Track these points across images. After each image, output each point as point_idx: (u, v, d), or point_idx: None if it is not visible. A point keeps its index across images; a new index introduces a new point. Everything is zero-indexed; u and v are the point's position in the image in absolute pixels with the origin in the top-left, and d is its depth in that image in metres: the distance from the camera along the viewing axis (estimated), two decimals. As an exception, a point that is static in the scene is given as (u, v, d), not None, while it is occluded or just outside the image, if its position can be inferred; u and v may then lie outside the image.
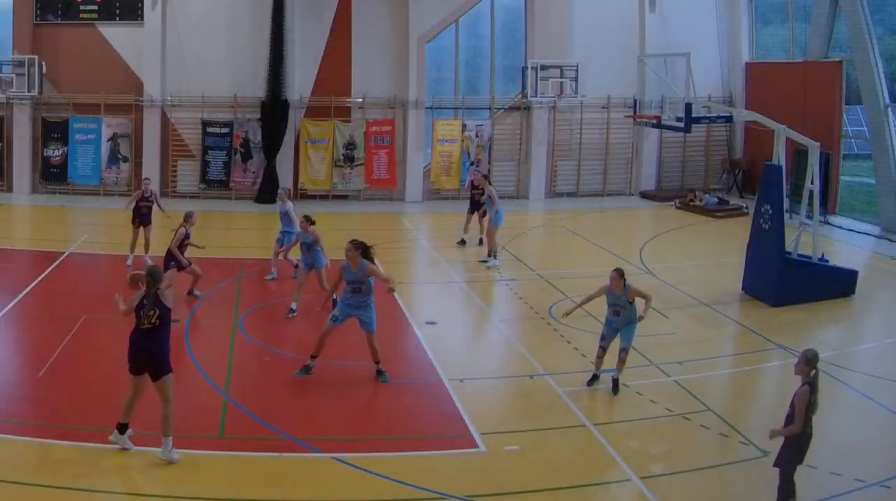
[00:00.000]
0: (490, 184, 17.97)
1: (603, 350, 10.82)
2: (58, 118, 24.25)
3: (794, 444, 7.67)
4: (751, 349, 12.71)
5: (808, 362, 7.70)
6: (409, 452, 9.11)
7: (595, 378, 10.94)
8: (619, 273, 10.62)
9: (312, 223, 13.88)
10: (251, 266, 16.68)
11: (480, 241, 18.55)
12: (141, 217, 16.41)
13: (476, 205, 18.82)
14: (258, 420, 9.72)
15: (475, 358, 12.32)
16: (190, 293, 14.42)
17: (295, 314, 13.61)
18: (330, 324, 11.00)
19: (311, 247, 13.84)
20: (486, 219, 18.03)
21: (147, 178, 17.45)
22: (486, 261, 17.19)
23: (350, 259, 10.83)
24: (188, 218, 14.35)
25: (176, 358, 11.58)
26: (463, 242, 18.80)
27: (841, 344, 13.11)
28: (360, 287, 10.90)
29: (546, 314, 14.08)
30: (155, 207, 16.71)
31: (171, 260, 13.95)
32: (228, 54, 24.38)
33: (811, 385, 7.60)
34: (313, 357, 10.96)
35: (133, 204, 16.52)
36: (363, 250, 10.84)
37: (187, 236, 14.51)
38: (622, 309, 10.62)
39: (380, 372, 11.12)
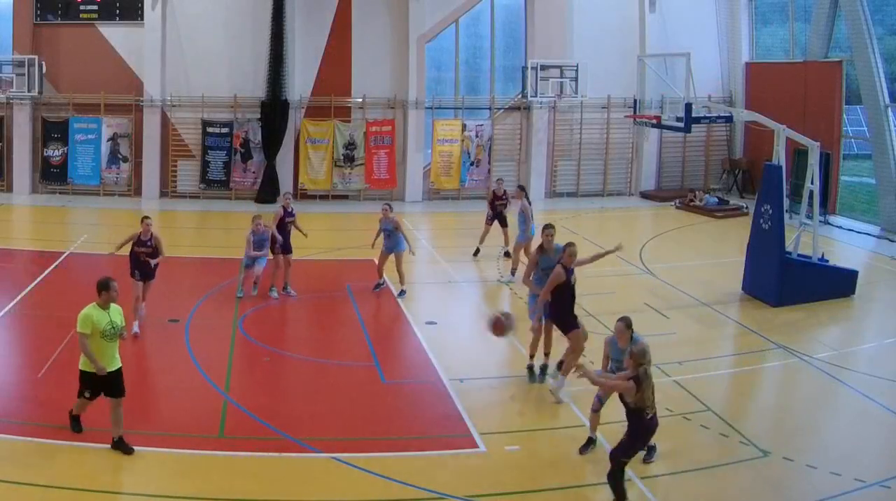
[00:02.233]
0: (527, 197, 16.78)
1: (600, 402, 9.08)
2: (58, 118, 24.25)
3: (632, 432, 7.83)
4: (751, 349, 12.71)
5: (633, 356, 7.81)
6: (409, 452, 9.11)
7: (591, 442, 9.19)
8: (627, 323, 8.95)
9: (392, 210, 14.99)
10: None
11: (507, 254, 17.52)
12: (141, 268, 12.51)
13: (497, 217, 17.92)
14: (258, 420, 9.72)
15: (475, 358, 12.30)
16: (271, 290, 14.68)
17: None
18: (547, 321, 11.02)
19: (391, 233, 14.78)
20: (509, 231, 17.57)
21: (148, 217, 12.81)
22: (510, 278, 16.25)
23: (548, 244, 11.08)
24: (283, 196, 15.11)
25: (176, 358, 11.66)
26: (478, 251, 18.01)
27: (841, 344, 13.11)
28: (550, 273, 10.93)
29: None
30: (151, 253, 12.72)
31: (274, 241, 14.48)
32: (228, 54, 24.39)
33: (637, 379, 7.67)
34: (531, 356, 11.20)
35: (128, 246, 12.71)
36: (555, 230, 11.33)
37: (287, 214, 14.80)
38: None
39: (552, 367, 11.10)
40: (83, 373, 8.82)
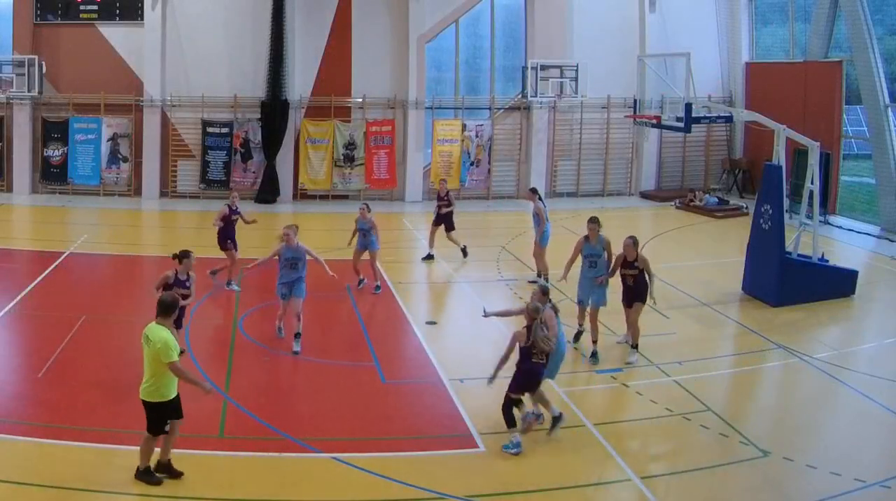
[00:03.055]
0: (541, 198, 16.26)
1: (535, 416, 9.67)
2: (58, 118, 24.25)
3: (518, 369, 9.13)
4: (751, 349, 12.71)
5: (528, 313, 9.12)
6: (409, 452, 9.12)
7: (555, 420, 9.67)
8: (545, 292, 9.79)
9: (370, 210, 15.38)
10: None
11: (465, 252, 17.69)
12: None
13: (441, 218, 17.62)
14: (258, 420, 9.73)
15: (475, 358, 12.29)
16: (228, 284, 15.02)
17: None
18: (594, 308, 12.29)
19: (367, 233, 15.21)
20: (455, 233, 17.66)
21: (186, 254, 10.91)
22: (535, 282, 15.48)
23: (593, 235, 12.23)
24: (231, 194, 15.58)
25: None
26: (430, 257, 17.85)
27: (841, 344, 13.12)
28: (595, 261, 12.23)
29: (546, 314, 14.06)
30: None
31: (226, 237, 15.05)
32: (228, 54, 24.40)
33: (529, 329, 9.02)
34: (594, 341, 12.09)
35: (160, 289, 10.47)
36: (598, 223, 12.39)
37: (232, 212, 15.19)
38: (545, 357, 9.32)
39: (594, 354, 11.99)
40: (158, 404, 7.99)
